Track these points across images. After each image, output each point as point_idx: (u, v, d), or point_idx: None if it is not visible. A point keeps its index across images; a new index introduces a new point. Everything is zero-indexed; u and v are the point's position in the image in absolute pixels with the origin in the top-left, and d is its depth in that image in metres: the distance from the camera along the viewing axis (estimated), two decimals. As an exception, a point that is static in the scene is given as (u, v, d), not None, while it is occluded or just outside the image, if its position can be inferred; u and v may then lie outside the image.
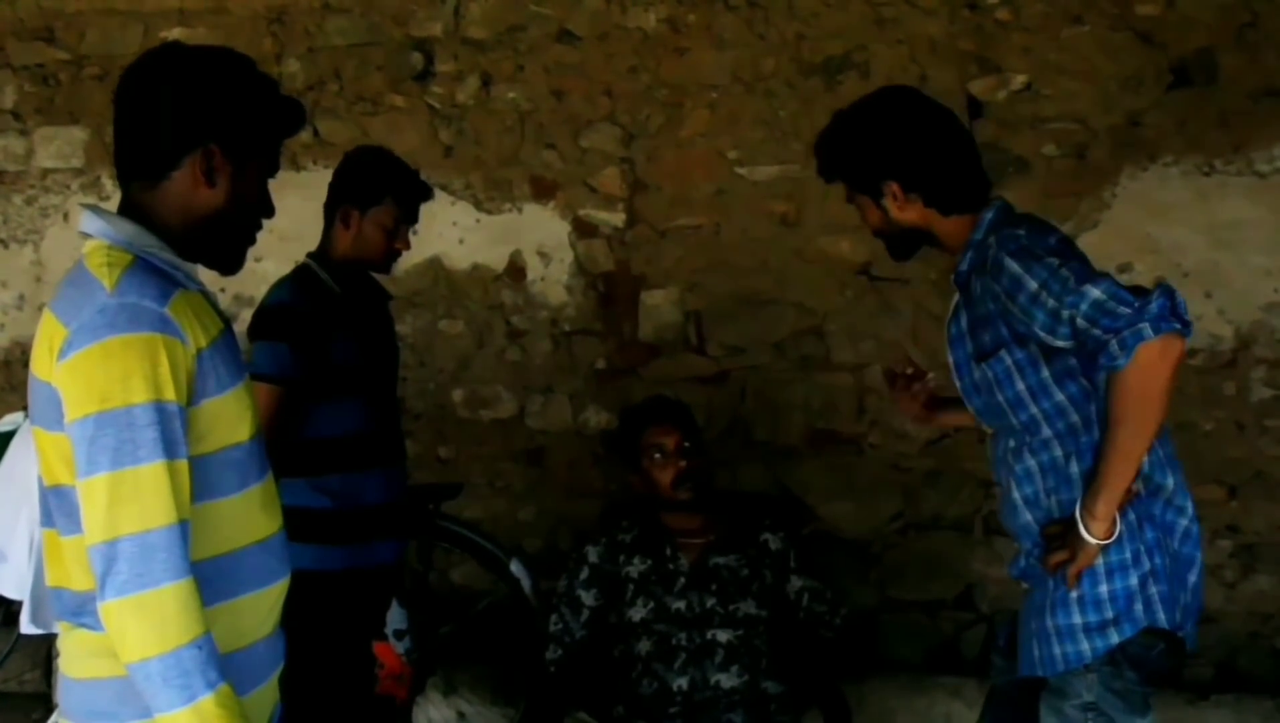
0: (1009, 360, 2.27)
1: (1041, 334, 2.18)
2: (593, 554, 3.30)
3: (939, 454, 3.99)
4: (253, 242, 1.92)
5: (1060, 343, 2.16)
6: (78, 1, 4.56)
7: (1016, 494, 2.35)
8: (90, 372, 1.66)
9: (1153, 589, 2.23)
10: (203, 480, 1.74)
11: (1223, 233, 3.72)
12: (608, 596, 3.27)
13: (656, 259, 4.16)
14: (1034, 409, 2.27)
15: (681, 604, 3.20)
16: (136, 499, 1.65)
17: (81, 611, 1.75)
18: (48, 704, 4.28)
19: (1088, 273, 2.14)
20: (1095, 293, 2.09)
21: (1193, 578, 2.30)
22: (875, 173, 2.35)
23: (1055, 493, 2.31)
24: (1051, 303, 2.13)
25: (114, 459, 1.65)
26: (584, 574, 3.29)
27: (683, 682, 3.16)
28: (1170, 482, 2.29)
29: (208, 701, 1.65)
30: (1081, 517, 2.21)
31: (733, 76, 4.05)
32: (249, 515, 1.84)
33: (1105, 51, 3.78)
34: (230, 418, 1.81)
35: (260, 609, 1.85)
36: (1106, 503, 2.18)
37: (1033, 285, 2.15)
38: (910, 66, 3.89)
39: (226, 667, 1.70)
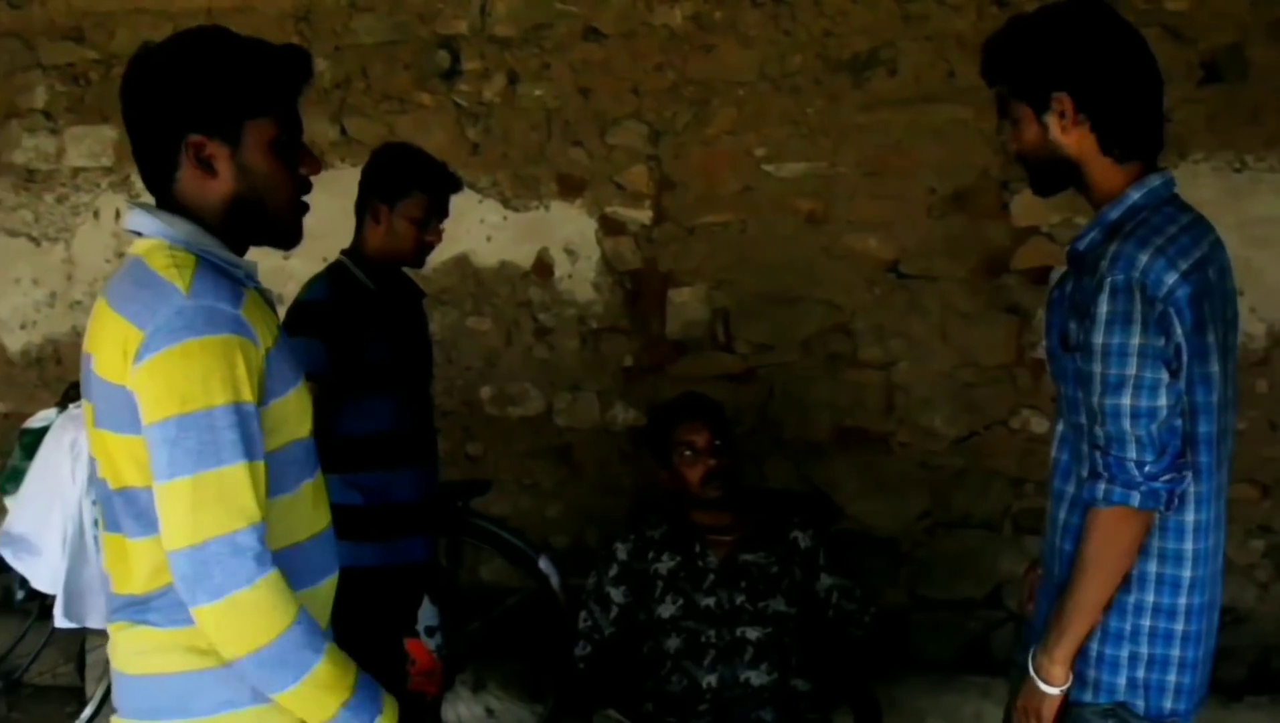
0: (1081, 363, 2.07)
1: (1077, 373, 2.05)
2: (622, 551, 3.30)
3: (968, 452, 3.97)
4: (303, 208, 1.87)
5: (1076, 396, 2.07)
6: (108, 1, 4.59)
7: (1053, 480, 2.22)
8: (170, 374, 1.65)
9: (1140, 672, 2.10)
10: (268, 477, 1.75)
11: (1254, 230, 3.69)
12: (637, 592, 3.27)
13: (684, 256, 4.16)
14: (1086, 418, 2.06)
15: (711, 601, 3.19)
16: (221, 501, 1.65)
17: (146, 608, 1.75)
18: (81, 698, 4.32)
19: (1148, 389, 1.96)
20: (1126, 425, 1.97)
21: (1190, 654, 2.12)
22: (1049, 79, 2.05)
23: (1074, 506, 2.15)
24: (1097, 374, 1.99)
25: (197, 461, 1.64)
26: (613, 571, 3.29)
27: (712, 679, 3.16)
28: (1209, 546, 2.10)
29: (321, 666, 1.71)
30: (1036, 661, 2.11)
31: (760, 73, 4.04)
32: (305, 511, 1.85)
33: (1135, 47, 3.75)
34: (295, 415, 1.82)
35: (316, 603, 1.86)
36: (1066, 647, 2.07)
37: (1098, 341, 1.98)
38: (938, 63, 3.88)
39: None
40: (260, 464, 1.70)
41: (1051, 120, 2.06)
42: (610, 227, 4.22)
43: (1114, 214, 2.05)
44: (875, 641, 3.30)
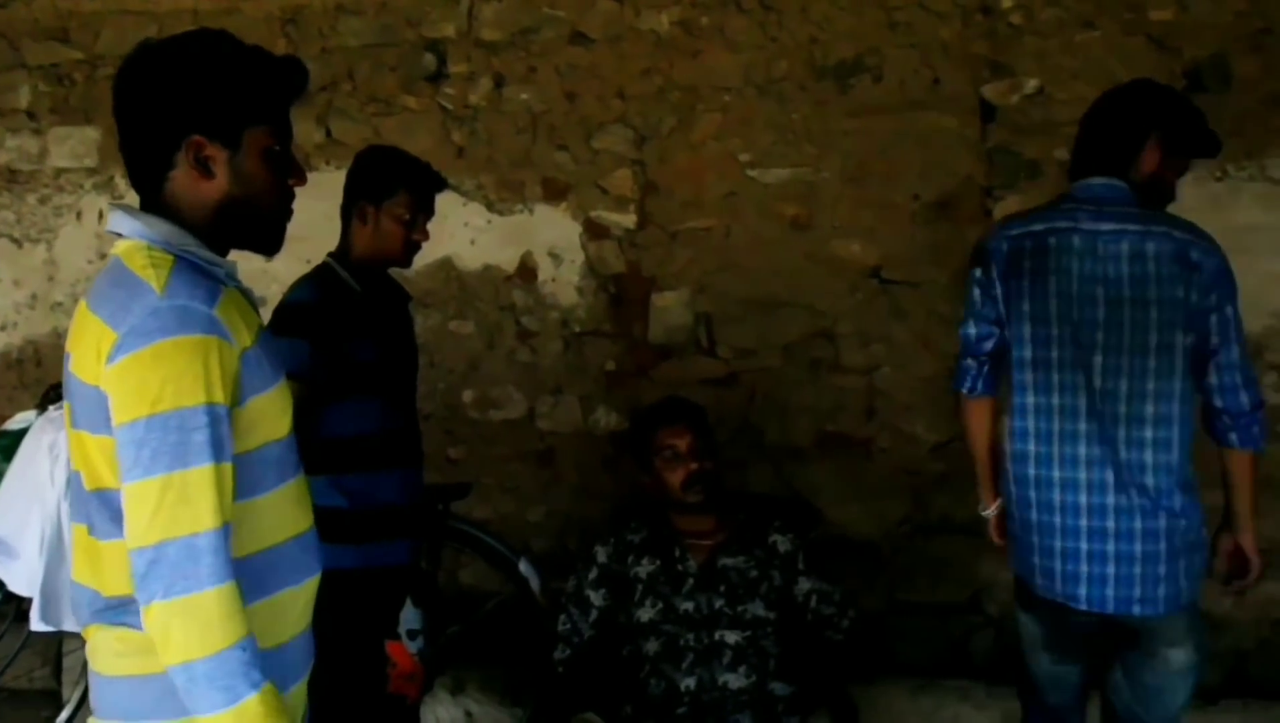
0: None
1: None
2: (601, 554, 3.31)
3: (949, 457, 3.98)
4: (287, 216, 1.89)
5: None
6: (92, 2, 4.58)
7: None
8: (141, 375, 1.65)
9: (1014, 550, 2.86)
10: (246, 477, 1.74)
11: (1235, 238, 3.65)
12: (616, 596, 3.27)
13: (667, 261, 4.16)
14: None
15: (690, 605, 3.20)
16: (184, 503, 1.64)
17: (123, 610, 1.74)
18: (57, 702, 4.30)
19: (971, 306, 2.86)
20: (961, 330, 2.90)
21: (1037, 541, 2.74)
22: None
23: None
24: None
25: (165, 463, 1.64)
26: (593, 574, 3.29)
27: (690, 682, 3.16)
28: (1031, 450, 2.74)
29: (251, 700, 1.64)
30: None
31: (745, 79, 4.05)
32: (286, 511, 1.84)
33: (1118, 56, 3.78)
34: (274, 414, 1.81)
35: (297, 605, 1.86)
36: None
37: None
38: (923, 70, 3.90)
39: (266, 664, 1.69)
40: (228, 466, 1.69)
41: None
42: (594, 231, 4.22)
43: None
44: (854, 645, 3.31)
